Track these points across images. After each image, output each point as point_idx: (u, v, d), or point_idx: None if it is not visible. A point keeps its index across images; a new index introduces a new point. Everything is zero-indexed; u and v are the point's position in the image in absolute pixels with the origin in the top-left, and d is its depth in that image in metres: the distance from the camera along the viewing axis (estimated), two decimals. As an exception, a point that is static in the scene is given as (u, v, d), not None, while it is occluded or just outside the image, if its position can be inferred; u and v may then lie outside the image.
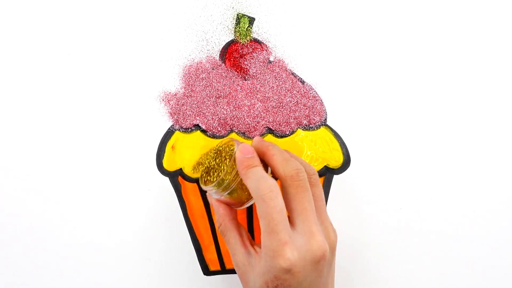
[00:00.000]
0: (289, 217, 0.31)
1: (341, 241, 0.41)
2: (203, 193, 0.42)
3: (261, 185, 0.31)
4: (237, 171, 0.33)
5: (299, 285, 0.30)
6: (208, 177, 0.36)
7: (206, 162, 0.37)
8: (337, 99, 0.42)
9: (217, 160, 0.36)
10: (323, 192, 0.34)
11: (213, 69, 0.41)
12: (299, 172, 0.32)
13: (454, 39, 0.42)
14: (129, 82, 0.42)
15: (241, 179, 0.33)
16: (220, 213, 0.35)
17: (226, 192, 0.34)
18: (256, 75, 0.41)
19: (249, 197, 0.34)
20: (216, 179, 0.35)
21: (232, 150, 0.35)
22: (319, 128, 0.42)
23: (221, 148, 0.37)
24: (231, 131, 0.41)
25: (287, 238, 0.30)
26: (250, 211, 0.42)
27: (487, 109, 0.42)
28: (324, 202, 0.34)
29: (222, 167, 0.35)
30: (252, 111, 0.41)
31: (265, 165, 0.34)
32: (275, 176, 0.33)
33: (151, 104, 0.42)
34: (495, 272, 0.43)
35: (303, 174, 0.32)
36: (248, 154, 0.33)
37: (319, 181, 0.34)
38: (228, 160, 0.35)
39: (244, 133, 0.41)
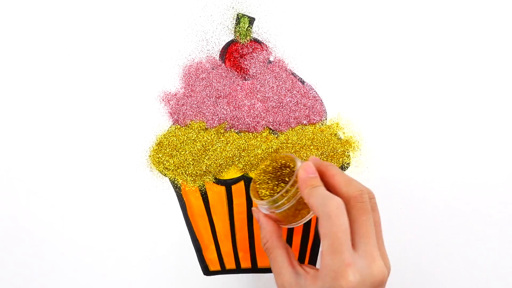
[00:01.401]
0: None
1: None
2: (203, 194, 0.42)
3: (327, 203, 0.30)
4: (296, 190, 0.33)
5: None
6: (263, 192, 0.36)
7: (261, 176, 0.37)
8: (337, 99, 0.42)
9: (274, 175, 0.36)
10: (380, 218, 0.33)
11: (213, 69, 0.41)
12: (363, 194, 0.32)
13: (454, 39, 0.42)
14: (129, 82, 0.42)
15: (299, 198, 0.33)
16: (268, 230, 0.35)
17: (281, 209, 0.34)
18: (256, 75, 0.41)
19: (300, 217, 0.34)
20: (272, 195, 0.34)
21: (293, 167, 0.35)
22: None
23: (279, 164, 0.36)
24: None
25: (350, 260, 0.29)
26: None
27: (487, 110, 0.42)
28: (381, 229, 0.33)
29: (281, 184, 0.35)
30: (252, 111, 0.41)
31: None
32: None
33: (151, 104, 0.42)
34: (496, 272, 0.43)
35: (366, 196, 0.32)
36: (312, 174, 0.33)
37: (377, 206, 0.33)
38: (287, 177, 0.35)
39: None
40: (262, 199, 0.35)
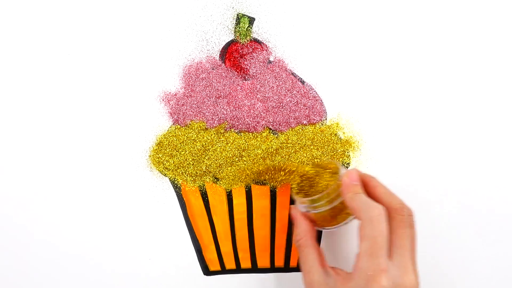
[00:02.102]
0: None
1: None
2: (203, 194, 0.42)
3: (371, 207, 0.31)
4: (337, 194, 0.35)
5: None
6: (304, 190, 0.37)
7: (304, 176, 0.38)
8: (337, 99, 0.42)
9: (317, 177, 0.37)
10: (416, 235, 0.34)
11: (213, 69, 0.41)
12: (404, 207, 0.33)
13: (454, 40, 0.42)
14: (129, 82, 0.42)
15: (338, 204, 0.35)
16: (302, 228, 0.36)
17: (319, 210, 0.35)
18: (256, 75, 0.41)
19: (335, 222, 0.36)
20: (314, 195, 0.36)
21: (337, 172, 0.36)
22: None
23: (324, 168, 0.38)
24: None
25: (385, 266, 0.30)
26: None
27: (487, 110, 0.42)
28: (416, 246, 0.34)
29: (324, 186, 0.36)
30: (252, 111, 0.41)
31: None
32: None
33: (151, 104, 0.42)
34: (496, 273, 0.43)
35: (407, 210, 0.33)
36: (355, 181, 0.34)
37: (415, 224, 0.34)
38: (332, 180, 0.36)
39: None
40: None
